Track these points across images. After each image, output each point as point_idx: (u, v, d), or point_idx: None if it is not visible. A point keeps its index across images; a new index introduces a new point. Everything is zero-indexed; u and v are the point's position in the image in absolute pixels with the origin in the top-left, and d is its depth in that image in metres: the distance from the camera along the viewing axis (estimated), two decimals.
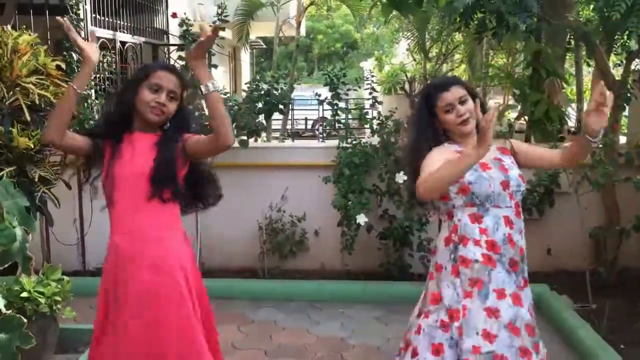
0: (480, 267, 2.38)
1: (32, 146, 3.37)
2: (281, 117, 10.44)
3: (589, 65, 6.41)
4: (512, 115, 7.25)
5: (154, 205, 2.37)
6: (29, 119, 3.33)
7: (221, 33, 5.44)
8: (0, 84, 3.32)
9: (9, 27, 3.43)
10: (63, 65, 3.69)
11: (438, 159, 2.34)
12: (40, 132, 3.41)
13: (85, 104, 5.01)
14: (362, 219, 4.73)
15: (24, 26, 3.67)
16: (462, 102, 2.44)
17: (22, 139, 3.32)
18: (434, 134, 2.52)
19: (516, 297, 2.42)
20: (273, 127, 8.28)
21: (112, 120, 2.49)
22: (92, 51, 2.39)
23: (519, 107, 6.25)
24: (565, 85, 6.49)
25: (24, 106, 3.30)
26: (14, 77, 3.32)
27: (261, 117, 5.39)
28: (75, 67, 4.96)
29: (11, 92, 3.34)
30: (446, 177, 2.22)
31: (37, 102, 3.35)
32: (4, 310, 2.90)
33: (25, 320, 2.83)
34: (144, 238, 2.37)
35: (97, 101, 5.29)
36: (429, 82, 2.67)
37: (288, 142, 5.91)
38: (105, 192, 2.44)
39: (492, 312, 2.36)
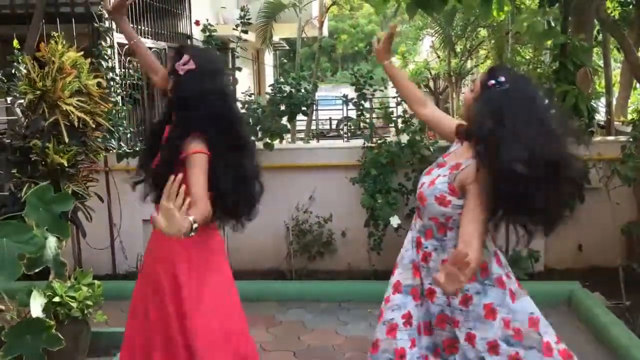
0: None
1: (66, 163, 3.45)
2: (305, 117, 10.45)
3: (618, 51, 6.28)
4: None
5: None
6: (67, 140, 3.42)
7: (244, 35, 5.51)
8: (42, 103, 3.42)
9: (45, 40, 3.54)
10: (104, 82, 3.79)
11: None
12: (75, 149, 3.50)
13: (114, 111, 5.08)
14: (395, 221, 4.71)
15: (54, 34, 3.73)
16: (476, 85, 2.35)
17: (56, 157, 3.40)
18: None
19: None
20: (297, 127, 8.30)
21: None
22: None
23: None
24: (593, 78, 6.36)
25: (62, 127, 3.39)
26: (56, 98, 3.40)
27: (284, 119, 5.40)
28: (104, 75, 5.04)
29: (52, 111, 3.43)
30: None
31: (75, 124, 3.43)
32: (40, 315, 2.96)
33: (53, 322, 2.89)
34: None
35: (124, 107, 5.37)
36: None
37: (313, 143, 5.92)
38: None
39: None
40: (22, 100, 3.68)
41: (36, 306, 3.05)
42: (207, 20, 5.62)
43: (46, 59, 3.48)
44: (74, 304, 3.28)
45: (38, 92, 3.43)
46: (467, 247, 2.02)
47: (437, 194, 2.27)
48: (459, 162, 2.28)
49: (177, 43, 8.33)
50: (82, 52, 3.79)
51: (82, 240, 4.89)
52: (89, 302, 3.36)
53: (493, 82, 2.17)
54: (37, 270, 2.94)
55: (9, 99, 4.37)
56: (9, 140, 3.59)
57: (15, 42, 4.63)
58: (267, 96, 5.54)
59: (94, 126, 3.63)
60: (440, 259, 2.31)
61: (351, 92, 5.32)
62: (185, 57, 2.41)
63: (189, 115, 2.38)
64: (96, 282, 3.50)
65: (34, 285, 3.18)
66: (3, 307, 3.26)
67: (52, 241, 2.97)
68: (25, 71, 3.60)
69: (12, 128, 3.85)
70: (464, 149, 2.34)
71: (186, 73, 2.41)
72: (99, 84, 3.72)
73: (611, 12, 5.53)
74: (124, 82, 5.60)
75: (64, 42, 3.67)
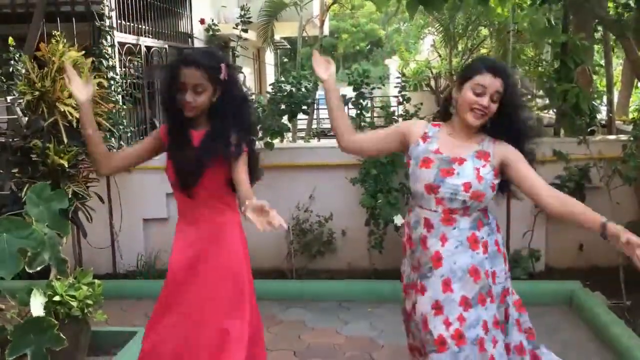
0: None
1: (66, 164, 3.45)
2: (306, 116, 10.45)
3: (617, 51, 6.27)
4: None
5: None
6: (65, 140, 3.41)
7: (244, 34, 5.52)
8: (41, 104, 3.42)
9: (45, 39, 3.53)
10: (105, 83, 3.78)
11: (393, 128, 2.65)
12: (75, 149, 3.50)
13: (114, 110, 5.09)
14: (399, 220, 4.70)
15: (56, 33, 3.73)
16: (493, 99, 2.34)
17: (56, 157, 3.40)
18: (445, 104, 2.55)
19: (405, 288, 2.67)
20: (298, 126, 8.28)
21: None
22: (77, 89, 2.54)
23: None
24: (594, 77, 6.36)
25: (62, 127, 3.39)
26: (55, 99, 3.40)
27: (285, 118, 5.40)
28: (105, 75, 5.04)
29: (51, 112, 3.43)
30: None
31: (74, 125, 3.44)
32: (41, 314, 2.96)
33: (56, 322, 2.88)
34: None
35: (124, 106, 5.37)
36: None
37: (313, 142, 5.89)
38: None
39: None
40: (21, 100, 3.68)
41: (36, 305, 3.05)
42: (212, 20, 5.63)
43: (46, 59, 3.48)
44: (74, 303, 3.27)
45: (37, 92, 3.43)
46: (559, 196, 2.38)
47: (489, 184, 2.38)
48: (480, 149, 2.41)
49: (178, 42, 8.34)
50: (83, 52, 3.79)
51: (83, 239, 4.90)
52: (89, 302, 3.36)
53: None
54: (38, 269, 2.94)
55: (9, 98, 4.38)
56: (9, 140, 3.59)
57: (11, 40, 4.63)
58: (268, 95, 5.53)
59: None
60: (493, 240, 2.45)
61: (350, 92, 5.31)
62: (224, 64, 2.50)
63: (242, 117, 2.54)
64: (96, 281, 3.50)
65: (34, 284, 3.18)
66: (3, 306, 3.26)
67: (52, 238, 2.97)
68: (24, 71, 3.60)
69: (12, 127, 3.85)
70: (460, 140, 2.44)
71: (230, 78, 2.52)
72: (99, 84, 3.71)
73: (613, 13, 5.51)
74: (124, 81, 5.59)
75: (65, 42, 3.67)
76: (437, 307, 2.39)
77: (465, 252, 2.39)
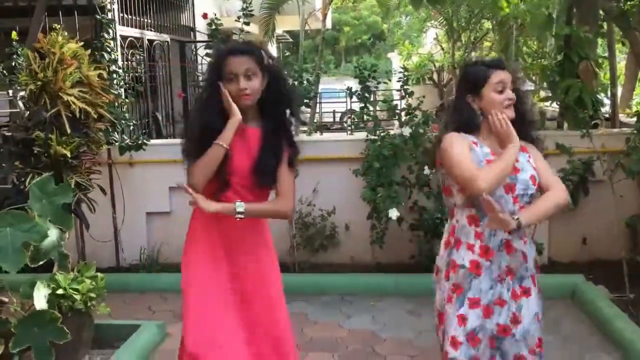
0: (464, 273, 2.36)
1: (69, 154, 3.44)
2: (309, 110, 10.44)
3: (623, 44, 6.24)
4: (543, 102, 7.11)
5: None
6: (69, 130, 3.41)
7: (246, 27, 5.50)
8: (43, 94, 3.41)
9: (47, 32, 3.51)
10: (105, 74, 3.77)
11: (464, 150, 2.32)
12: (78, 140, 3.49)
13: (117, 104, 5.08)
14: (393, 213, 4.69)
15: (56, 26, 3.72)
16: (512, 88, 2.39)
17: (59, 148, 3.39)
18: (471, 116, 2.40)
19: (487, 309, 2.35)
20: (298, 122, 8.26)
21: (212, 125, 2.43)
22: (236, 109, 2.40)
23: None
24: (598, 70, 6.33)
25: (64, 118, 3.38)
26: (57, 89, 3.39)
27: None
28: (107, 67, 5.03)
29: (54, 102, 3.42)
30: (504, 170, 2.27)
31: (77, 115, 3.43)
32: (44, 307, 2.96)
33: (59, 315, 2.89)
34: None
35: (127, 100, 5.36)
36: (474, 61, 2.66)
37: (316, 136, 5.88)
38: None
39: (463, 320, 2.34)
40: (23, 93, 3.67)
41: (40, 298, 3.06)
42: (215, 14, 5.61)
43: (45, 51, 3.47)
44: (78, 297, 3.28)
45: (39, 83, 3.42)
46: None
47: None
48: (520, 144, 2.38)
49: (180, 35, 8.32)
50: (82, 44, 3.78)
51: (86, 233, 4.91)
52: (92, 295, 3.36)
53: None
54: (41, 263, 2.94)
55: (10, 91, 4.37)
56: (10, 134, 3.58)
57: (14, 34, 4.63)
58: None
59: (95, 117, 3.62)
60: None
61: (355, 85, 5.29)
62: (263, 51, 2.46)
63: (292, 107, 2.56)
64: (99, 274, 3.50)
65: (37, 278, 3.19)
66: (6, 300, 3.27)
67: (54, 233, 2.97)
68: (26, 63, 3.59)
69: (14, 120, 3.84)
70: (492, 139, 2.40)
71: (273, 66, 2.48)
72: (100, 76, 3.70)
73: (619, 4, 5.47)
74: (126, 74, 5.58)
75: (65, 34, 3.66)
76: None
77: (532, 245, 2.48)
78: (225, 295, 2.47)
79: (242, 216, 2.35)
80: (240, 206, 2.34)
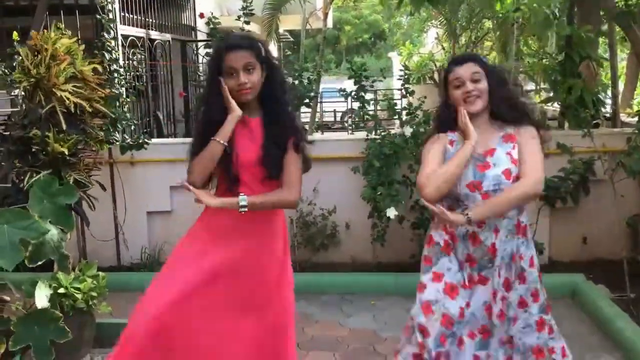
0: (436, 250, 2.51)
1: (66, 151, 3.44)
2: (309, 109, 10.46)
3: (624, 41, 6.23)
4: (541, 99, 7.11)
5: None
6: (64, 127, 3.40)
7: (247, 27, 5.49)
8: (38, 91, 3.40)
9: (47, 31, 3.50)
10: (100, 68, 3.75)
11: (432, 154, 2.46)
12: (75, 137, 3.48)
13: (117, 103, 5.08)
14: (391, 212, 4.68)
15: (56, 23, 3.72)
16: (474, 80, 2.43)
17: (57, 145, 3.39)
18: (445, 115, 2.55)
19: (452, 287, 2.46)
20: (301, 119, 8.27)
21: (215, 121, 2.43)
22: (235, 105, 2.41)
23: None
24: (599, 70, 6.33)
25: (60, 114, 3.37)
26: (51, 85, 3.38)
27: None
28: (107, 66, 5.03)
29: (48, 99, 3.41)
30: (453, 173, 2.37)
31: (72, 110, 3.42)
32: (45, 306, 2.97)
33: (60, 314, 2.89)
34: None
35: (127, 99, 5.37)
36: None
37: (317, 135, 5.89)
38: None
39: (421, 287, 2.52)
40: (17, 90, 3.66)
41: (41, 297, 3.07)
42: (212, 13, 5.60)
43: (38, 47, 3.46)
44: (79, 296, 3.29)
45: (32, 79, 3.40)
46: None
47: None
48: (505, 133, 2.47)
49: (181, 35, 8.32)
50: (82, 44, 3.77)
51: (87, 232, 4.92)
52: (94, 294, 3.37)
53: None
54: (40, 263, 2.94)
55: (9, 90, 4.37)
56: (7, 133, 3.58)
57: (15, 34, 4.63)
58: None
59: (90, 110, 3.60)
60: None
61: (352, 85, 5.30)
62: (260, 43, 2.47)
63: (288, 99, 2.56)
64: (100, 273, 3.51)
65: (39, 277, 3.20)
66: (8, 298, 3.27)
67: (54, 234, 2.98)
68: (19, 60, 3.58)
69: (10, 118, 3.83)
70: (481, 135, 2.44)
71: (270, 58, 2.49)
72: (95, 70, 3.69)
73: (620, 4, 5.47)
74: (127, 73, 5.59)
75: (64, 32, 3.65)
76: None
77: (530, 245, 2.53)
78: (196, 270, 2.48)
79: (246, 209, 2.33)
80: (243, 200, 2.33)
